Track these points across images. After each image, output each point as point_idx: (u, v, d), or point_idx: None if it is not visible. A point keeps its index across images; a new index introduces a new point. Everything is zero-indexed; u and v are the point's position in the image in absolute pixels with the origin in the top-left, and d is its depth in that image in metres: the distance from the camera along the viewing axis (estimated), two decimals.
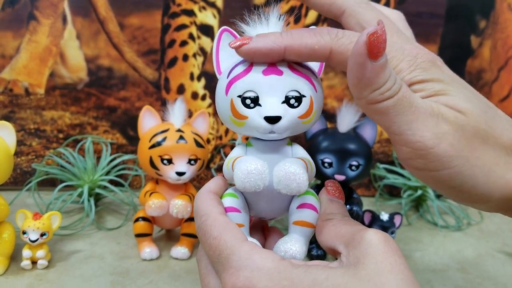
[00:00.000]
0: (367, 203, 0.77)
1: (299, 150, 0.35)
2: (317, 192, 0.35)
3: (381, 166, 0.77)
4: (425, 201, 0.74)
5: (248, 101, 0.32)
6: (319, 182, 0.60)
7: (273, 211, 0.35)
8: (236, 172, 0.31)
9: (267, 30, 0.33)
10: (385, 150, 0.80)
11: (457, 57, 0.77)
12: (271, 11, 0.33)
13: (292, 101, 0.32)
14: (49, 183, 0.72)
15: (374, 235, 0.27)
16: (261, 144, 0.34)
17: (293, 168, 0.30)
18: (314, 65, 0.35)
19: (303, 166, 0.31)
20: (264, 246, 0.37)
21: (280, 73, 0.32)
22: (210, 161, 0.78)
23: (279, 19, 0.34)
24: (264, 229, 0.38)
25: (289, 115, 0.32)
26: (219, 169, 0.76)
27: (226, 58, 0.35)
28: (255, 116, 0.32)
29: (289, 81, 0.32)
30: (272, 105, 0.32)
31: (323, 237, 0.31)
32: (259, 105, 0.32)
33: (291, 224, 0.34)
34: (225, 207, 0.33)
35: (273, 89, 0.32)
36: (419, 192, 0.72)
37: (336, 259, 0.29)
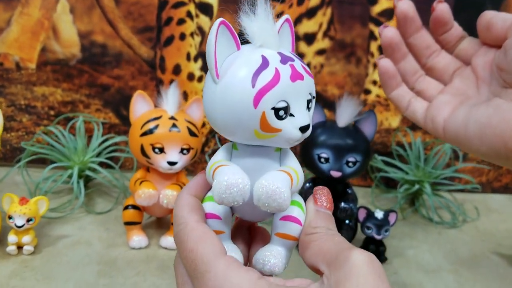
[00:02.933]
0: (363, 194, 0.76)
1: (288, 157, 0.32)
2: (314, 186, 0.33)
3: (379, 158, 0.75)
4: (421, 195, 0.73)
5: (281, 112, 0.28)
6: (315, 176, 0.59)
7: (256, 216, 0.33)
8: (215, 184, 0.28)
9: (266, 22, 0.30)
10: (384, 141, 0.79)
11: None
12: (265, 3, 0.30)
13: (310, 105, 0.30)
14: (40, 160, 0.70)
15: (359, 256, 0.26)
16: (248, 149, 0.31)
17: (274, 186, 0.27)
18: (287, 39, 0.32)
19: (286, 182, 0.28)
20: (249, 248, 0.35)
21: (302, 77, 0.29)
22: (204, 145, 0.76)
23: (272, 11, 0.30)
24: (250, 229, 0.37)
25: (310, 120, 0.30)
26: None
27: (221, 56, 0.29)
28: (289, 127, 0.29)
29: (308, 85, 0.30)
30: (303, 113, 0.29)
31: (306, 254, 0.29)
32: (292, 115, 0.29)
33: (273, 235, 0.32)
34: (206, 213, 0.31)
35: (299, 95, 0.29)
36: (416, 186, 0.70)
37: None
